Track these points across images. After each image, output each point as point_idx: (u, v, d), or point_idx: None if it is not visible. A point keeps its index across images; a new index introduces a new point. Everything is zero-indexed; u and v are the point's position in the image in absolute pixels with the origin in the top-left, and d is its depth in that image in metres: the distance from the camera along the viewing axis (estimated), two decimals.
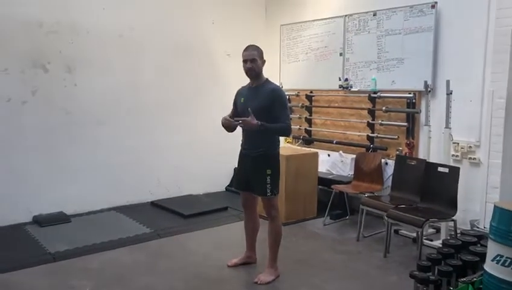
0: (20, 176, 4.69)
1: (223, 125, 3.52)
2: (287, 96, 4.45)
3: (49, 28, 4.78)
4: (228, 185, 6.26)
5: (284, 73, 6.22)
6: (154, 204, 5.47)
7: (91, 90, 5.09)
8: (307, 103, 5.96)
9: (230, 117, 3.54)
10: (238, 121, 3.37)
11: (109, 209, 5.20)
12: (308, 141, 5.97)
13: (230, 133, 3.60)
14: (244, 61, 3.44)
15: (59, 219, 4.75)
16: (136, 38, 5.38)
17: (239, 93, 3.63)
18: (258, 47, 3.50)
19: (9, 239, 4.26)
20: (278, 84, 3.79)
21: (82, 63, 5.02)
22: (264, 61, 3.50)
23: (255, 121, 3.28)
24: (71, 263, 3.78)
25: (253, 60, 3.41)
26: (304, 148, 5.84)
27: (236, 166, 3.74)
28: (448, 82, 4.21)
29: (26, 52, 4.68)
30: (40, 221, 4.66)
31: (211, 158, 6.00)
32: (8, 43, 4.55)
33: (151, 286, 3.38)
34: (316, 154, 5.26)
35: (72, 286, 3.35)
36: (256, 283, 3.42)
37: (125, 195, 5.38)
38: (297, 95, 6.02)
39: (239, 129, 3.59)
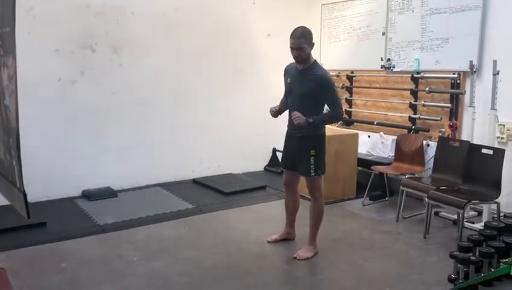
0: (70, 153, 4.91)
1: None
2: None
3: (97, 9, 4.93)
4: (267, 165, 6.34)
5: (325, 53, 6.17)
6: (196, 181, 5.63)
7: (135, 71, 5.24)
8: (348, 84, 5.91)
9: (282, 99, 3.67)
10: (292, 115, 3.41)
11: (153, 186, 5.39)
12: (348, 122, 5.94)
13: (269, 115, 3.67)
14: (291, 48, 3.39)
15: (106, 193, 4.97)
16: (179, 19, 5.46)
17: (287, 72, 3.64)
18: (306, 31, 3.40)
19: (61, 211, 4.50)
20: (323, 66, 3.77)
21: (127, 44, 5.16)
22: (312, 45, 3.43)
23: (303, 119, 3.31)
24: (119, 234, 3.98)
25: (299, 49, 3.35)
26: (343, 129, 5.83)
27: (283, 145, 3.77)
28: (495, 62, 4.10)
29: (75, 33, 4.84)
30: (88, 195, 4.89)
31: (250, 139, 6.09)
32: (58, 25, 4.72)
33: (195, 258, 3.52)
34: (356, 135, 5.25)
35: (121, 255, 3.54)
36: (295, 258, 3.50)
37: (169, 172, 5.55)
38: (337, 76, 5.97)
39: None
